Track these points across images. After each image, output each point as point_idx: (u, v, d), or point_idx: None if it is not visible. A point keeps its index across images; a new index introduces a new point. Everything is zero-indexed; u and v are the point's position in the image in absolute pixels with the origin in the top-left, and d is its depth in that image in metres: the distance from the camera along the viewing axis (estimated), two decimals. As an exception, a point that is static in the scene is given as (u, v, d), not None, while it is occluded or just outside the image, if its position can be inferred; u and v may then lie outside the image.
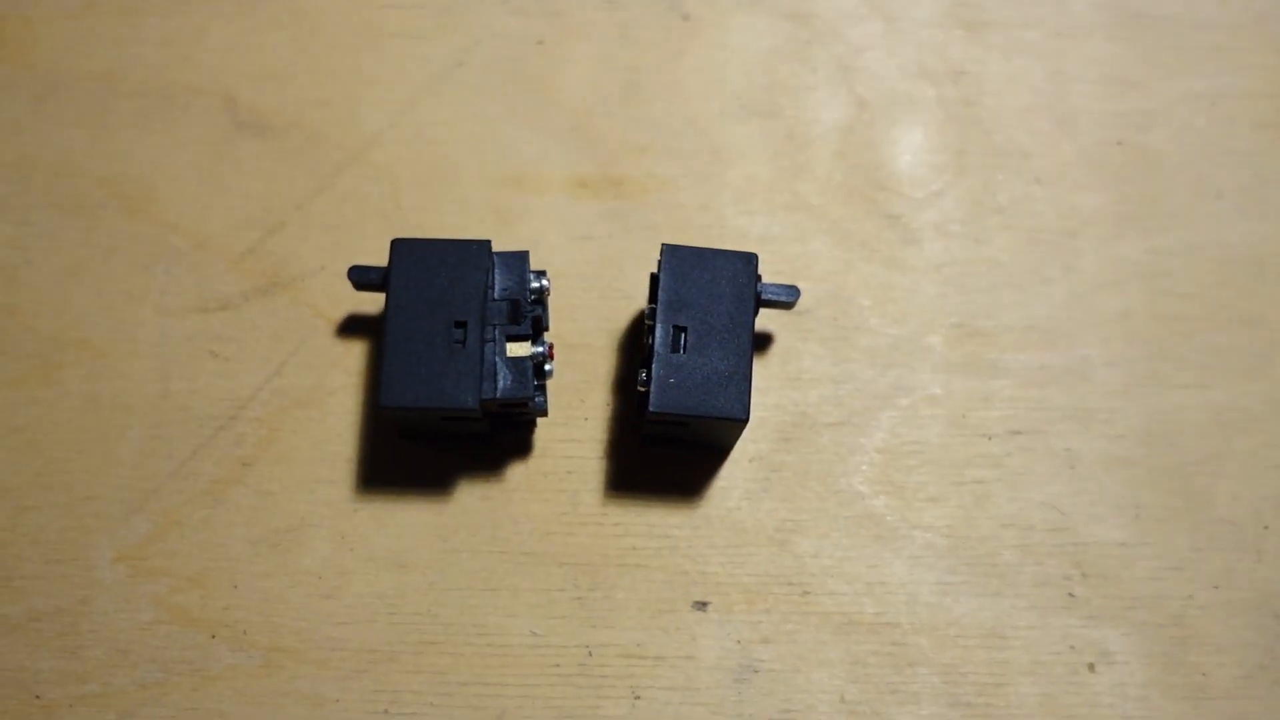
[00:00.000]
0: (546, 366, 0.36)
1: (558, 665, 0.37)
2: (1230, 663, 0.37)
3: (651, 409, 0.35)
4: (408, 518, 0.38)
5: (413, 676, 0.36)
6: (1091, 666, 0.37)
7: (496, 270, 0.36)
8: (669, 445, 0.38)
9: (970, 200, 0.42)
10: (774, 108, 0.43)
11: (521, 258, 0.37)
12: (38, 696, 0.36)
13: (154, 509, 0.38)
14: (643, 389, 0.35)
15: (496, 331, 0.36)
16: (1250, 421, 0.39)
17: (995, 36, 0.44)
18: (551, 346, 0.37)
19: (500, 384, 0.35)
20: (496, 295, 0.36)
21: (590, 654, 0.37)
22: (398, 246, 0.36)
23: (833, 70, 0.44)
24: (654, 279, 0.36)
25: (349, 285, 0.38)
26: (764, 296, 0.37)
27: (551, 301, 0.40)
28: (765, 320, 0.40)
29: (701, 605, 0.37)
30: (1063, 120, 0.43)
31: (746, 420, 0.35)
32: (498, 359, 0.35)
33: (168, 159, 0.42)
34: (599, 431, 0.39)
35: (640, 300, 0.40)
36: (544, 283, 0.37)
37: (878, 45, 0.44)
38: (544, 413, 0.37)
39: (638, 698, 0.36)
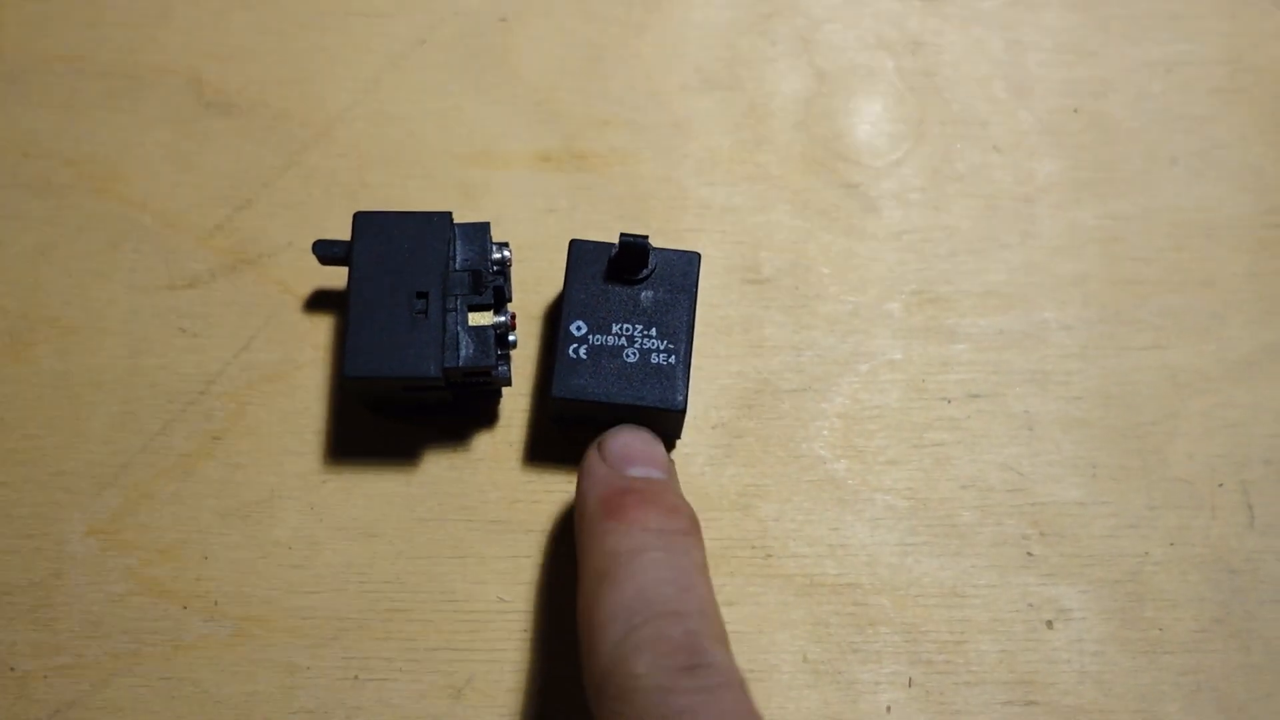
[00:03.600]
0: (510, 337, 0.37)
1: (525, 630, 0.37)
2: (1185, 617, 0.38)
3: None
4: (376, 488, 0.38)
5: (382, 643, 0.37)
6: (1049, 624, 0.37)
7: (458, 241, 0.37)
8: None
9: (929, 169, 0.42)
10: (734, 80, 0.43)
11: (483, 229, 0.37)
12: (12, 668, 0.37)
13: (125, 483, 0.38)
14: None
15: (459, 302, 0.36)
16: (1204, 381, 0.40)
17: (952, 7, 0.45)
18: (514, 317, 0.37)
19: (463, 353, 0.36)
20: (458, 266, 0.37)
21: (558, 619, 0.37)
22: (359, 219, 0.37)
23: (793, 43, 0.44)
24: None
25: (316, 260, 0.39)
26: None
27: (515, 274, 0.40)
28: (728, 291, 0.41)
29: (666, 569, 0.38)
30: (1020, 89, 0.44)
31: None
32: (460, 329, 0.36)
33: (135, 139, 0.42)
34: (564, 401, 0.39)
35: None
36: (506, 254, 0.37)
37: (837, 18, 0.44)
38: (508, 382, 0.37)
39: (604, 660, 0.37)
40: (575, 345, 0.36)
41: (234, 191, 0.41)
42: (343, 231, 0.39)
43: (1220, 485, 0.39)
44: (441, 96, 0.43)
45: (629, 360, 0.36)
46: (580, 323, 0.37)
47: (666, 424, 0.37)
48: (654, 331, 0.37)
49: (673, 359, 0.36)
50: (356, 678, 0.37)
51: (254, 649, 0.37)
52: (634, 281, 0.37)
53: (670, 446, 0.39)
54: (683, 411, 0.36)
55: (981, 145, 0.43)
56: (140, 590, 0.37)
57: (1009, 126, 0.43)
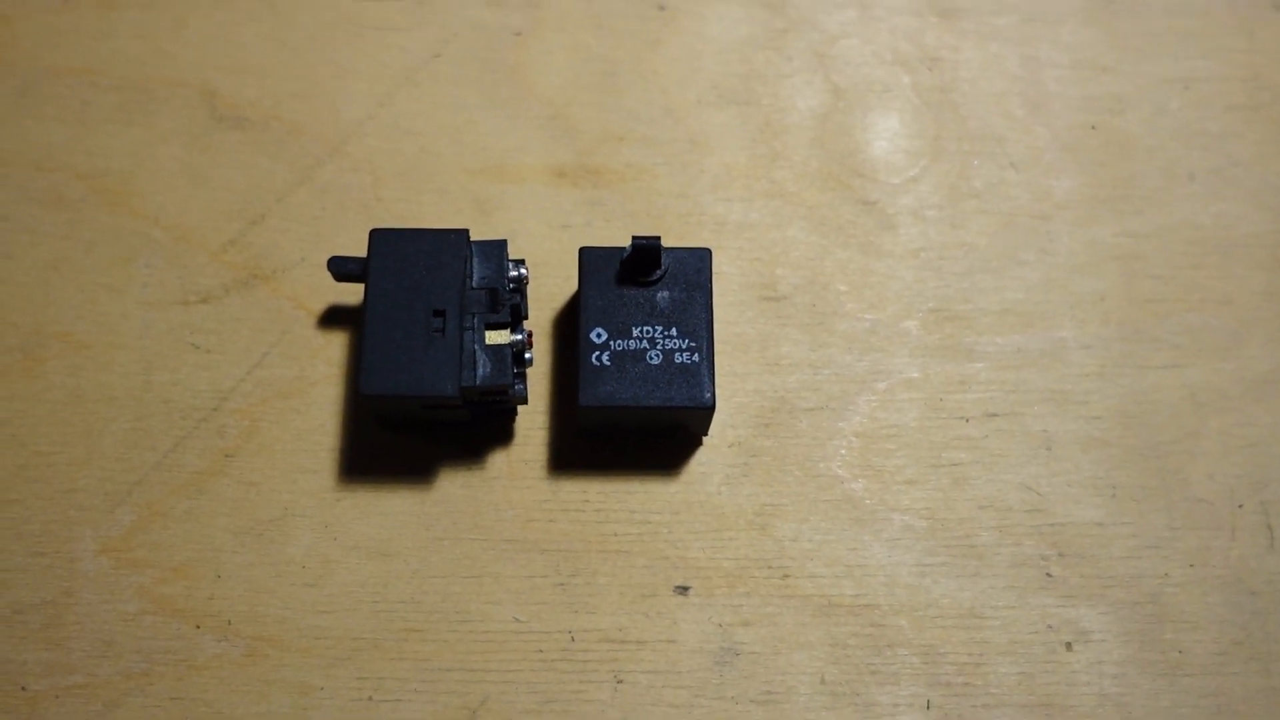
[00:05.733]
0: (526, 355, 0.37)
1: (540, 651, 0.37)
2: (1206, 639, 0.37)
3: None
4: (390, 506, 0.38)
5: (396, 664, 0.37)
6: (1069, 645, 0.37)
7: (475, 259, 0.37)
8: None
9: (946, 186, 0.42)
10: (750, 96, 0.43)
11: (499, 246, 0.37)
12: (24, 688, 0.36)
13: (137, 501, 0.38)
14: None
15: (476, 320, 0.36)
16: (1224, 401, 0.40)
17: (968, 23, 0.44)
18: (531, 334, 0.37)
19: (480, 371, 0.35)
20: (475, 284, 0.36)
21: (573, 639, 0.37)
22: (376, 237, 0.37)
23: (808, 58, 0.44)
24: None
25: (329, 277, 0.38)
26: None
27: (531, 290, 0.40)
28: (744, 308, 0.40)
29: (683, 589, 0.37)
30: (1036, 105, 0.43)
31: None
32: (477, 347, 0.36)
33: (147, 153, 0.42)
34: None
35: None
36: (523, 271, 0.37)
37: (853, 33, 0.44)
38: (524, 400, 0.37)
39: (620, 681, 0.37)
40: (597, 352, 0.36)
41: (247, 206, 0.41)
42: (356, 247, 0.39)
43: (1240, 506, 0.39)
44: (455, 111, 0.43)
45: (653, 362, 0.36)
46: (600, 330, 0.36)
47: (696, 422, 0.38)
48: (674, 331, 0.36)
49: (696, 357, 0.36)
50: (370, 698, 0.36)
51: (267, 669, 0.36)
52: (648, 283, 0.37)
53: (698, 443, 0.39)
54: (712, 408, 0.36)
55: (999, 162, 0.43)
56: (153, 609, 0.37)
57: (1026, 143, 0.43)
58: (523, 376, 0.37)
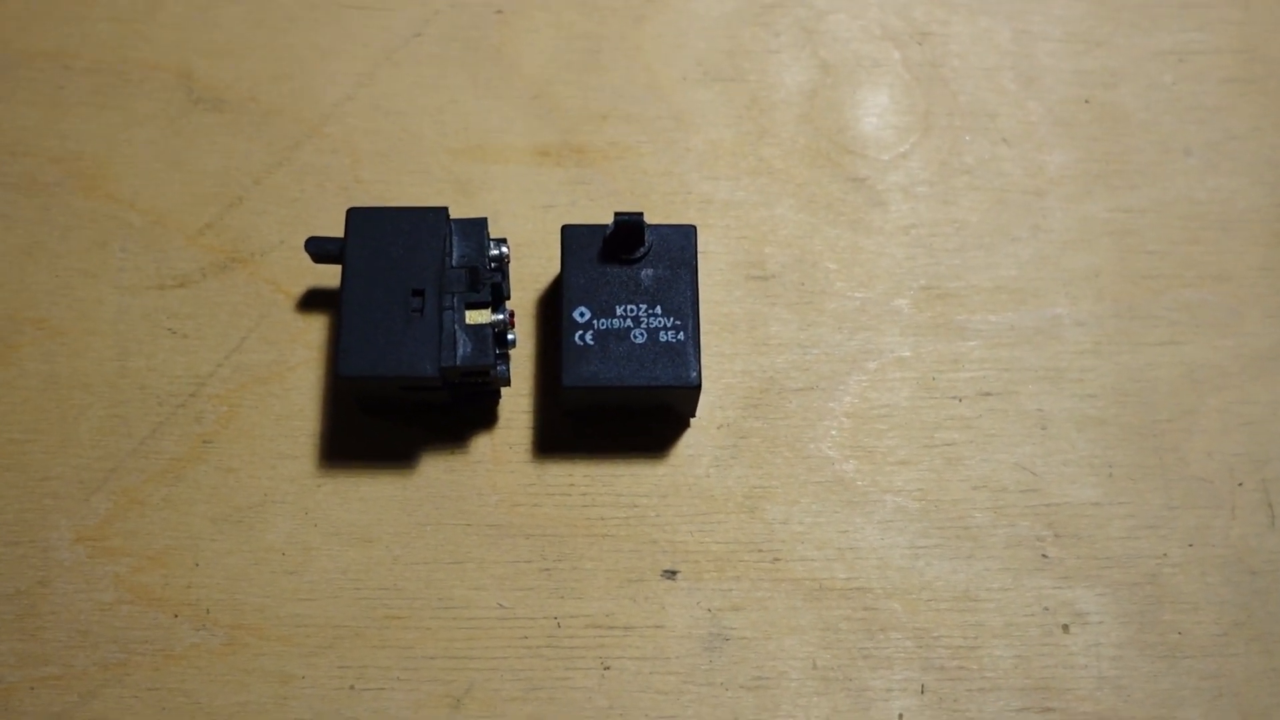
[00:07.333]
0: (509, 335, 0.36)
1: (526, 637, 0.36)
2: (1206, 620, 0.37)
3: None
4: (372, 492, 0.37)
5: (379, 651, 0.36)
6: (1066, 627, 0.36)
7: (454, 238, 0.36)
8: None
9: (937, 162, 0.42)
10: (737, 72, 0.42)
11: (480, 225, 0.36)
12: (-2, 680, 0.36)
13: (114, 488, 0.37)
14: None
15: (456, 299, 0.35)
16: (1222, 377, 0.39)
17: (959, -4, 0.44)
18: (513, 315, 0.36)
19: (460, 352, 0.35)
20: (455, 263, 0.36)
21: (559, 625, 0.36)
22: (353, 216, 0.36)
23: (796, 34, 0.43)
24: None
25: (309, 259, 0.38)
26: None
27: (515, 271, 0.39)
28: (732, 288, 0.40)
29: (671, 574, 0.37)
30: (1029, 79, 0.43)
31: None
32: (457, 327, 0.35)
33: (123, 136, 0.41)
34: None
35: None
36: (504, 250, 0.36)
37: (841, 8, 0.44)
38: (507, 382, 0.37)
39: (607, 668, 0.36)
40: (580, 332, 0.35)
41: (224, 189, 0.40)
42: (336, 229, 0.39)
43: (1240, 484, 0.38)
44: (436, 91, 0.42)
45: (637, 341, 0.35)
46: (583, 308, 0.36)
47: (682, 402, 0.37)
48: (659, 309, 0.36)
49: (682, 335, 0.35)
50: (352, 687, 0.35)
51: (246, 658, 0.36)
52: (632, 261, 0.36)
53: (685, 425, 0.38)
54: (698, 387, 0.35)
55: (990, 137, 0.42)
56: (129, 598, 0.36)
57: (1018, 118, 0.42)
58: (505, 358, 0.36)
